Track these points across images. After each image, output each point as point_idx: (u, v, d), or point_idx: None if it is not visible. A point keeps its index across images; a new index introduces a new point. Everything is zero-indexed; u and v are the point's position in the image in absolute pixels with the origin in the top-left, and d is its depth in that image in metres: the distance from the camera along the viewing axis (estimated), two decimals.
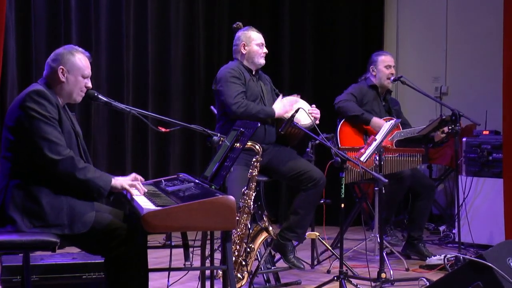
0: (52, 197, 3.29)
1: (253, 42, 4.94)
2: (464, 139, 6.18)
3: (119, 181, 3.43)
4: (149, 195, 3.42)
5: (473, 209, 6.00)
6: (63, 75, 3.44)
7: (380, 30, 7.86)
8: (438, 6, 7.61)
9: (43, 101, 3.32)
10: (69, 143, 3.39)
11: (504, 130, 5.57)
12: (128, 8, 6.43)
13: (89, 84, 3.52)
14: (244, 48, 4.94)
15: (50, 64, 3.48)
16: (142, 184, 3.54)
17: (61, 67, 3.43)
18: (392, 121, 5.07)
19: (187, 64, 6.96)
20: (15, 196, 3.28)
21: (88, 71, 3.50)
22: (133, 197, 3.38)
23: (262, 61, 4.96)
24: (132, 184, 3.46)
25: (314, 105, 4.94)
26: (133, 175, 3.59)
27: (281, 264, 4.85)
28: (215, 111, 5.09)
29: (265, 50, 4.97)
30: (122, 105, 3.63)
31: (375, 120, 5.52)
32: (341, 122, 5.63)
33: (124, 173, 6.18)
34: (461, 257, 4.77)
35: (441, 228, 6.70)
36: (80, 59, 3.48)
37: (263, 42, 4.97)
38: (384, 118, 5.64)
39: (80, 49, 3.53)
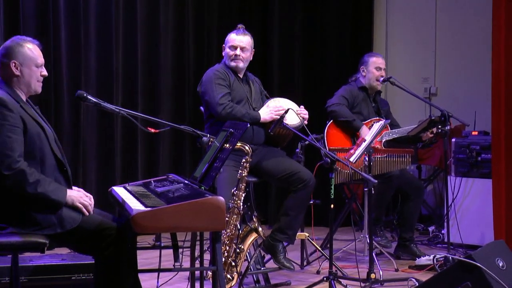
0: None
1: (227, 44, 4.90)
2: (453, 140, 6.19)
3: (71, 198, 3.34)
4: (138, 196, 3.42)
5: (462, 209, 6.01)
6: (17, 69, 3.40)
7: (369, 31, 7.87)
8: (427, 7, 7.63)
9: (4, 110, 3.25)
10: (40, 145, 3.33)
11: (493, 130, 5.59)
12: (117, 9, 6.41)
13: (44, 72, 3.47)
14: (223, 50, 4.95)
15: (1, 60, 3.42)
16: (132, 184, 3.53)
17: (13, 61, 3.39)
18: (382, 122, 5.09)
19: (176, 65, 6.94)
20: (2, 207, 3.26)
21: (40, 59, 3.45)
22: (123, 198, 3.37)
23: (232, 64, 4.86)
24: (84, 204, 3.36)
25: (302, 106, 4.93)
26: (81, 190, 3.50)
27: (270, 264, 4.85)
28: None
29: (237, 52, 4.84)
30: (112, 106, 3.62)
31: (365, 128, 5.53)
32: (329, 124, 5.64)
33: (113, 174, 6.24)
34: (450, 258, 4.79)
35: (430, 229, 6.72)
36: (31, 49, 3.43)
37: (236, 44, 4.84)
38: (373, 119, 5.66)
39: (28, 38, 3.49)
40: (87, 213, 3.34)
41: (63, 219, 3.26)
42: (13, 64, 3.39)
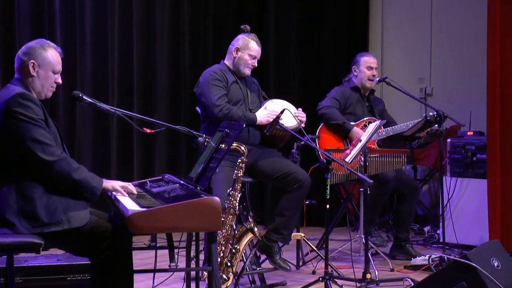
0: (45, 197, 3.27)
1: (247, 51, 4.91)
2: (448, 140, 6.20)
3: (110, 183, 3.44)
4: (134, 197, 3.41)
5: (458, 209, 6.02)
6: (34, 69, 3.42)
7: (365, 32, 7.88)
8: (422, 8, 7.65)
9: (29, 103, 3.30)
10: (56, 142, 3.37)
11: (488, 131, 5.61)
12: (113, 8, 6.41)
13: (59, 80, 3.50)
14: (236, 52, 4.92)
15: (21, 57, 3.45)
16: None
17: (32, 61, 3.41)
18: (377, 122, 5.09)
19: (172, 65, 6.94)
20: (10, 200, 3.25)
21: (59, 66, 3.48)
22: (118, 198, 3.37)
23: (247, 71, 4.94)
24: (123, 186, 3.46)
25: (300, 109, 4.94)
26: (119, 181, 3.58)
27: (266, 265, 4.85)
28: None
29: (255, 63, 4.94)
30: (107, 106, 3.62)
31: (356, 130, 5.53)
32: (321, 126, 5.64)
33: (109, 174, 6.23)
34: (446, 258, 4.79)
35: (426, 229, 6.73)
36: (52, 54, 3.46)
37: (257, 55, 4.94)
38: (367, 118, 5.66)
39: (52, 44, 3.51)
40: (132, 192, 3.43)
41: (71, 217, 3.27)
42: (31, 64, 3.42)
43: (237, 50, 4.92)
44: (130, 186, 3.50)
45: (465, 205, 6.02)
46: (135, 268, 3.45)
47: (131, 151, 6.58)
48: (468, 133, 6.25)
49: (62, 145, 3.46)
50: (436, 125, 5.50)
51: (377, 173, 5.34)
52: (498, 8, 5.54)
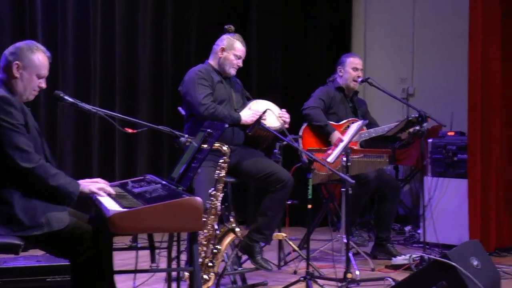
0: (24, 200, 3.25)
1: (232, 51, 4.91)
2: (429, 140, 6.23)
3: (87, 187, 3.40)
4: (115, 197, 3.40)
5: (439, 209, 6.05)
6: (18, 71, 3.37)
7: (348, 32, 7.90)
8: (405, 9, 7.68)
9: (10, 109, 3.26)
10: (35, 146, 3.34)
11: (469, 131, 5.65)
12: (95, 7, 6.38)
13: (43, 85, 3.44)
14: (222, 52, 4.92)
15: (7, 57, 3.39)
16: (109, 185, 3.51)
17: (17, 62, 3.36)
18: (359, 123, 5.11)
19: (154, 65, 6.91)
20: None
21: (45, 71, 3.42)
22: (99, 199, 3.36)
23: (232, 71, 4.95)
24: (101, 188, 3.43)
25: (285, 110, 4.95)
26: (98, 179, 3.56)
27: (248, 265, 4.85)
28: (183, 112, 5.07)
29: (240, 63, 4.95)
30: (89, 106, 3.60)
31: (336, 134, 5.54)
32: (304, 126, 5.65)
33: (90, 174, 6.20)
34: (426, 257, 4.83)
35: (407, 229, 6.76)
36: (39, 58, 3.40)
37: (242, 55, 4.95)
38: (349, 119, 5.68)
39: (41, 47, 3.45)
40: (110, 193, 3.39)
41: (51, 220, 3.24)
42: (16, 65, 3.36)
43: (223, 50, 4.92)
44: (108, 187, 3.46)
45: (446, 205, 6.05)
46: (116, 268, 3.44)
47: (113, 151, 6.56)
48: (449, 134, 6.28)
49: (43, 147, 3.43)
50: (418, 126, 5.52)
51: (359, 173, 5.35)
52: (480, 8, 5.58)
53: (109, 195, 3.42)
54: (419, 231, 6.37)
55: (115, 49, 6.56)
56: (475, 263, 3.88)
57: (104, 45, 6.49)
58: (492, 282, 4.03)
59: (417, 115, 5.43)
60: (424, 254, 5.08)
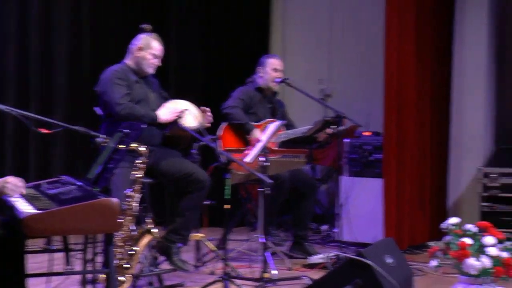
0: None
1: (149, 50, 4.88)
2: (346, 140, 6.33)
3: None
4: (29, 199, 3.33)
5: (355, 208, 6.15)
6: None
7: (266, 33, 7.95)
8: (323, 10, 7.78)
9: None
10: None
11: (385, 131, 5.77)
12: (9, 5, 6.23)
13: None
14: (139, 52, 4.88)
15: None
16: None
17: None
18: (277, 123, 5.16)
19: (71, 64, 6.79)
20: None
21: None
22: (11, 200, 3.27)
23: (150, 70, 4.91)
24: (11, 189, 3.30)
25: (209, 110, 4.93)
26: (8, 177, 3.45)
27: (165, 266, 4.83)
28: (99, 112, 5.00)
29: (158, 62, 4.92)
30: (2, 106, 3.52)
31: (256, 131, 5.58)
32: (224, 125, 5.66)
33: (3, 177, 6.03)
34: (341, 256, 4.91)
35: (323, 228, 6.85)
36: None
37: (160, 54, 4.92)
38: (267, 120, 5.73)
39: None
40: (20, 192, 3.24)
41: None
42: None
43: (140, 49, 4.88)
44: (20, 183, 3.28)
45: (362, 204, 6.15)
46: (29, 272, 3.36)
47: (27, 152, 6.41)
48: (365, 134, 6.40)
49: None
50: (335, 126, 5.60)
51: (276, 174, 5.39)
52: (396, 12, 5.71)
53: (23, 196, 3.34)
54: (335, 230, 6.47)
55: (30, 48, 6.41)
56: (389, 260, 3.97)
57: (18, 45, 6.34)
58: (405, 279, 4.13)
59: (334, 116, 5.51)
60: (340, 253, 5.17)
